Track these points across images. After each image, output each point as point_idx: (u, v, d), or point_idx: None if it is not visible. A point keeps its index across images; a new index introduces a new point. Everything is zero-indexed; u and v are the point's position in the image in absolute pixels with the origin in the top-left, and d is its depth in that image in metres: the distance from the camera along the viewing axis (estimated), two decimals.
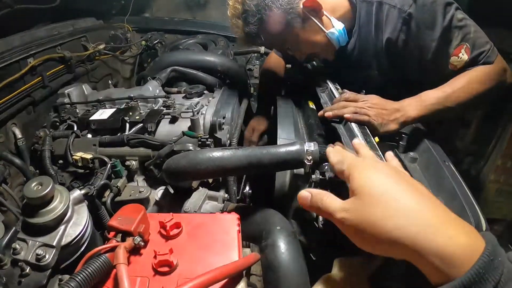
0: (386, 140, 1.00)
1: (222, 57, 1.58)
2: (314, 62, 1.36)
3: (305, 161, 0.70)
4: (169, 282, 0.56)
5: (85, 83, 1.45)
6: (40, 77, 1.31)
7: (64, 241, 0.60)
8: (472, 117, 1.87)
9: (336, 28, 1.10)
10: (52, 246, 0.58)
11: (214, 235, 0.65)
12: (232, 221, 0.68)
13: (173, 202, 0.94)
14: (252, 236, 0.72)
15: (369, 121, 0.92)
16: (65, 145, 1.03)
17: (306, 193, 0.52)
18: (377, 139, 0.91)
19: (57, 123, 1.22)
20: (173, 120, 1.11)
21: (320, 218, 0.71)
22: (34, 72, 1.29)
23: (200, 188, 0.94)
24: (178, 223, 0.64)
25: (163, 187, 0.98)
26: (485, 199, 1.90)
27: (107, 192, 0.91)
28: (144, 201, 0.93)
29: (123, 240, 0.59)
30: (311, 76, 1.31)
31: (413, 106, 0.98)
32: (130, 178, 1.02)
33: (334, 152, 0.55)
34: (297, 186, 0.84)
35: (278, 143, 0.91)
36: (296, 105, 1.23)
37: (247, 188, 1.14)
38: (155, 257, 0.57)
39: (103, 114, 1.16)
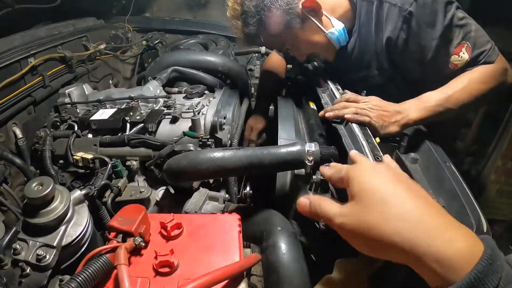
0: (387, 141, 1.00)
1: (223, 57, 1.58)
2: (314, 63, 1.36)
3: (306, 161, 0.70)
4: (170, 282, 0.56)
5: (85, 83, 1.45)
6: (41, 77, 1.31)
7: (64, 242, 0.60)
8: (472, 118, 1.87)
9: (336, 28, 1.09)
10: (52, 247, 0.58)
11: (215, 235, 0.65)
12: (233, 221, 0.68)
13: (174, 203, 0.94)
14: (252, 237, 0.72)
15: (370, 122, 0.92)
16: (65, 145, 1.03)
17: (304, 200, 0.52)
18: (378, 139, 0.91)
19: (58, 123, 1.22)
20: (174, 120, 1.12)
21: None
22: (34, 72, 1.29)
23: (201, 188, 0.94)
24: (179, 223, 0.64)
25: (164, 188, 0.98)
26: (485, 199, 1.90)
27: (108, 192, 0.91)
28: (144, 202, 0.93)
29: (124, 240, 0.59)
30: (312, 76, 1.31)
31: (414, 108, 0.97)
32: (130, 178, 1.02)
33: (327, 168, 0.55)
34: (298, 186, 0.84)
35: (279, 144, 0.91)
36: (297, 106, 1.23)
37: (248, 188, 1.14)
38: (156, 257, 0.57)
39: (103, 114, 1.16)
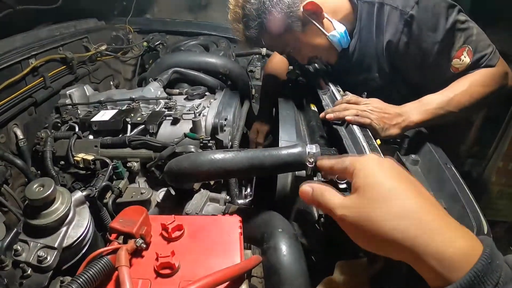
0: (388, 143, 1.00)
1: (224, 59, 1.58)
2: (315, 64, 1.36)
3: (307, 163, 0.70)
4: (171, 284, 0.56)
5: (86, 84, 1.45)
6: (42, 78, 1.31)
7: (65, 243, 0.60)
8: (473, 119, 1.87)
9: (337, 30, 1.09)
10: (53, 248, 0.58)
11: (216, 237, 0.65)
12: (234, 223, 0.68)
13: (175, 204, 0.94)
14: (253, 238, 0.72)
15: (371, 124, 0.92)
16: (66, 146, 1.03)
17: (307, 187, 0.52)
18: (378, 141, 0.91)
19: (59, 124, 1.22)
20: (175, 121, 1.12)
21: (322, 220, 0.71)
22: (35, 73, 1.29)
23: (202, 189, 0.95)
24: (180, 225, 0.64)
25: (165, 189, 0.98)
26: (486, 201, 1.90)
27: (109, 194, 0.91)
28: (145, 203, 0.93)
29: (125, 242, 0.59)
30: (313, 78, 1.31)
31: (415, 111, 0.98)
32: (131, 180, 1.02)
33: (326, 158, 0.55)
34: (298, 188, 0.84)
35: (279, 145, 0.91)
36: (298, 107, 1.23)
37: (249, 190, 1.14)
38: (157, 259, 0.57)
39: (104, 115, 1.16)
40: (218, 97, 1.26)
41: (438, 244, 0.37)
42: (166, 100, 1.25)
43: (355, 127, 0.90)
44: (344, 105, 0.98)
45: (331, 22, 1.09)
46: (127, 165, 1.00)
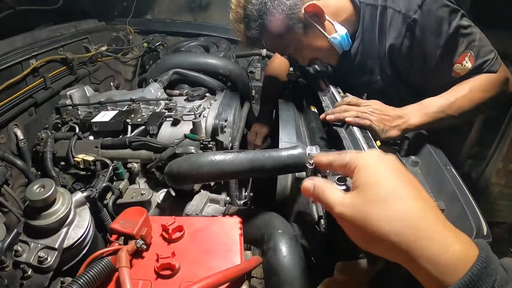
0: (388, 144, 1.00)
1: (224, 60, 1.58)
2: (316, 66, 1.36)
3: (307, 164, 0.70)
4: (171, 285, 0.56)
5: (87, 85, 1.45)
6: (42, 79, 1.31)
7: (66, 244, 0.60)
8: (473, 120, 1.88)
9: (338, 33, 1.09)
10: (54, 249, 0.59)
11: (216, 238, 0.65)
12: (234, 224, 0.68)
13: (175, 205, 0.94)
14: (253, 239, 0.72)
15: (371, 125, 0.92)
16: (67, 147, 1.03)
17: (309, 183, 0.52)
18: (378, 143, 0.92)
19: (59, 125, 1.22)
20: (175, 122, 1.12)
21: (322, 221, 0.71)
22: (36, 73, 1.30)
23: (202, 191, 0.95)
24: (180, 226, 0.64)
25: (165, 190, 0.98)
26: (486, 202, 1.90)
27: (109, 195, 0.91)
28: (146, 204, 0.93)
29: (125, 243, 0.59)
30: (313, 79, 1.32)
31: (415, 113, 0.98)
32: (132, 181, 1.02)
33: (323, 154, 0.55)
34: (298, 189, 0.84)
35: (280, 147, 0.91)
36: (298, 109, 1.23)
37: (249, 191, 1.14)
38: (157, 260, 0.57)
39: (105, 116, 1.17)
40: (218, 98, 1.26)
41: (434, 249, 0.37)
42: (167, 101, 1.25)
43: (355, 128, 0.90)
44: (344, 106, 0.98)
45: (333, 24, 1.09)
46: (128, 166, 1.00)
